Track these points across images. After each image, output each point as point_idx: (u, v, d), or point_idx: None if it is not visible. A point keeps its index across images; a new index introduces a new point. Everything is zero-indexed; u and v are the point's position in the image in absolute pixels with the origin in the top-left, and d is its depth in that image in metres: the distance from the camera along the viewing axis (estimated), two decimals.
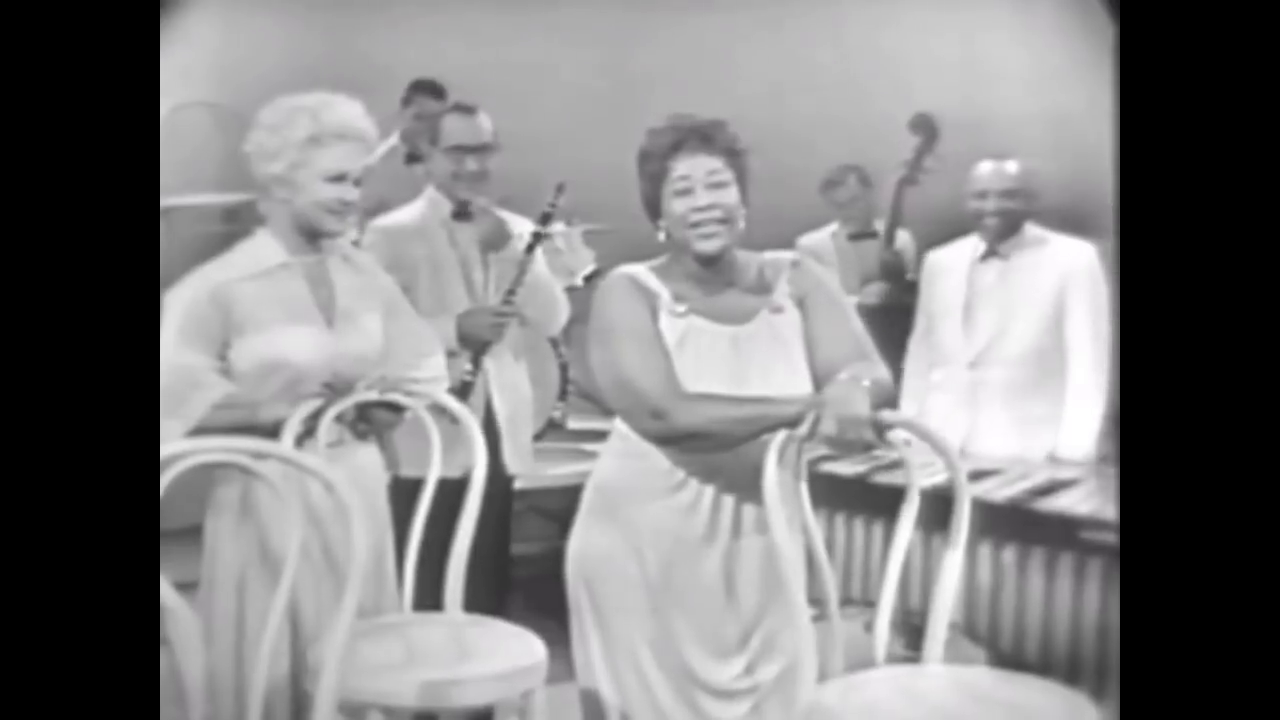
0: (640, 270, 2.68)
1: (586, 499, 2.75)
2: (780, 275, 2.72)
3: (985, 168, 3.95)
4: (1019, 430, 3.87)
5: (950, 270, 4.02)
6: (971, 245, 4.00)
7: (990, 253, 3.96)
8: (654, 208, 2.68)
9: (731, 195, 2.62)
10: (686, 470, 2.63)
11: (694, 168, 2.61)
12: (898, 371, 3.93)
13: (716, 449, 2.57)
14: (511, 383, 3.69)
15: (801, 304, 2.70)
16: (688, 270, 2.66)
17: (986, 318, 3.93)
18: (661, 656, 2.64)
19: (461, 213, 3.68)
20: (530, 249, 3.66)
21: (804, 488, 2.57)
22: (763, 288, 2.70)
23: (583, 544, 2.71)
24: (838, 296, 2.75)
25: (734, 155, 2.64)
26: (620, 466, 2.70)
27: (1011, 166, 3.93)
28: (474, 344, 3.55)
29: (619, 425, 2.71)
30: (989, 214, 3.92)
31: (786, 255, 2.78)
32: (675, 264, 2.68)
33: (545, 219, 3.72)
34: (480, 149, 3.66)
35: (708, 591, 2.64)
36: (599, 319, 2.64)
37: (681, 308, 2.63)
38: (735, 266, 2.69)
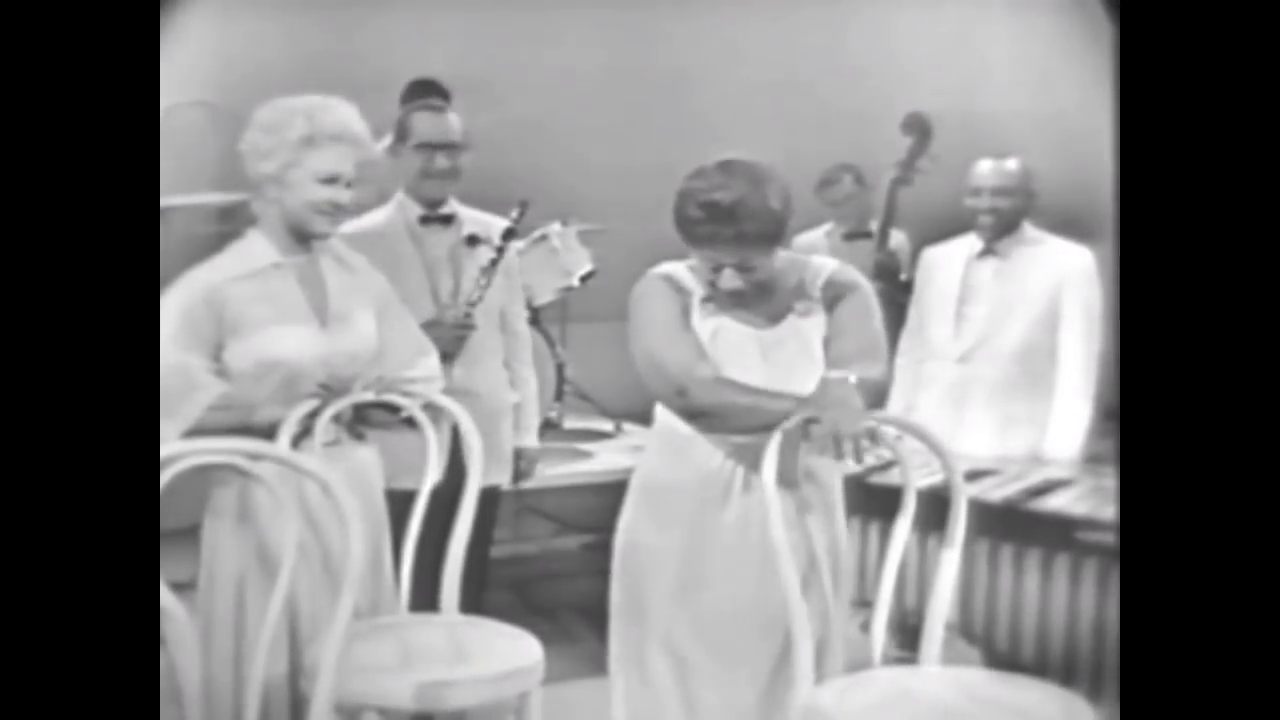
0: (678, 268, 2.76)
1: (631, 494, 2.82)
2: (816, 280, 2.76)
3: (984, 165, 3.95)
4: (1003, 428, 3.88)
5: (945, 267, 4.03)
6: (968, 243, 4.01)
7: (987, 251, 3.97)
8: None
9: (758, 275, 2.65)
10: (724, 454, 2.69)
11: (724, 256, 2.63)
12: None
13: (736, 431, 2.65)
14: (478, 390, 3.56)
15: (831, 307, 2.74)
16: None
17: (979, 315, 3.94)
18: (703, 646, 2.69)
19: (430, 217, 3.64)
20: (493, 263, 3.63)
21: (805, 489, 2.61)
22: (797, 292, 2.75)
23: (629, 538, 2.79)
24: (868, 301, 2.77)
25: (770, 239, 2.62)
26: (662, 462, 2.78)
27: (1010, 165, 3.94)
28: None
29: (659, 419, 2.78)
30: (982, 211, 3.93)
31: (831, 262, 2.83)
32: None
33: (508, 234, 3.68)
34: (450, 147, 3.62)
35: (747, 581, 2.67)
36: (636, 313, 2.74)
37: (712, 305, 2.71)
38: (770, 274, 2.73)
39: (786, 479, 2.61)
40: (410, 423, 2.92)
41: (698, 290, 2.73)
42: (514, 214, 3.73)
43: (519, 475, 3.83)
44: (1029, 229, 3.96)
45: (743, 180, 2.60)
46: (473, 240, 3.66)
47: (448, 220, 3.65)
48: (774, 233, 2.63)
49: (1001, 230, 3.93)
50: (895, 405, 4.00)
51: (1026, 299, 3.90)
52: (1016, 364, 3.90)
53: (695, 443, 2.71)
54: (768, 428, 2.57)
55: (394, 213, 3.63)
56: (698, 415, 2.68)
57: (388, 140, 3.94)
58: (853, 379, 2.52)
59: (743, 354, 2.70)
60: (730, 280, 2.65)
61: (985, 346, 3.92)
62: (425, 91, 5.58)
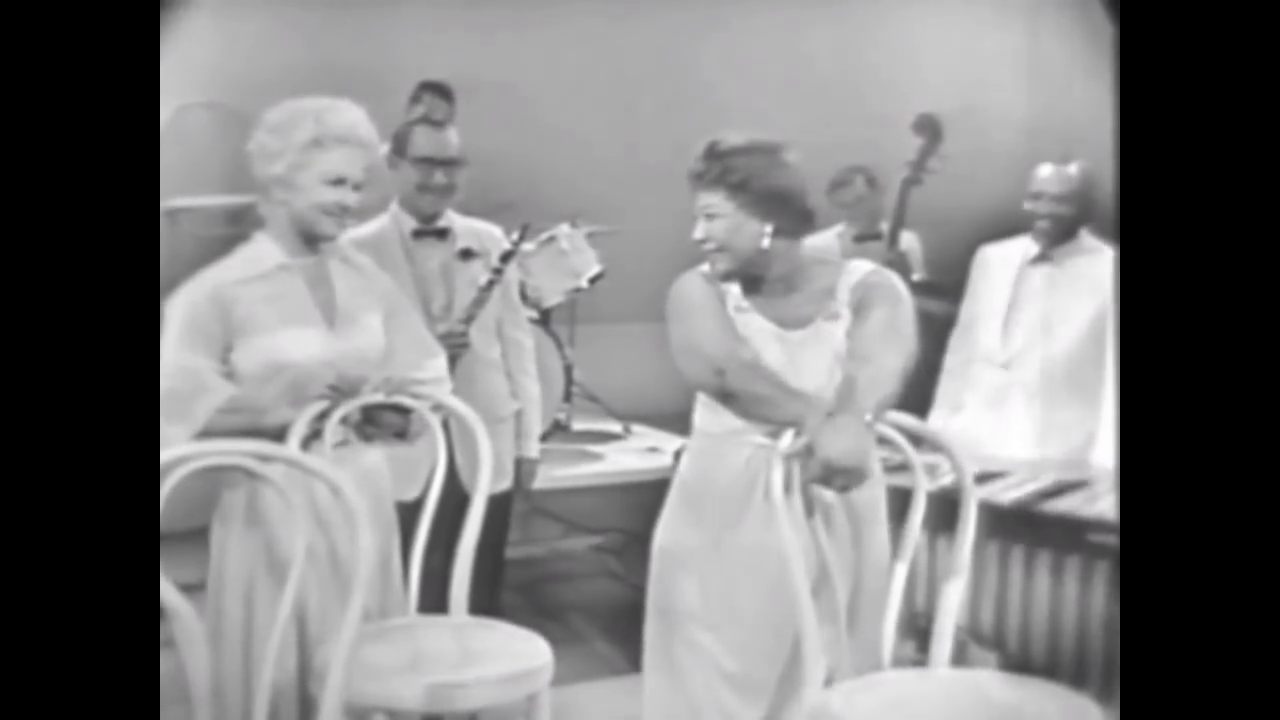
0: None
1: (670, 496, 2.86)
2: (849, 282, 2.78)
3: (1045, 170, 3.88)
4: (1044, 435, 3.85)
5: (999, 268, 3.98)
6: (1023, 245, 3.96)
7: (1042, 257, 3.92)
8: None
9: (720, 226, 2.74)
10: (748, 456, 2.71)
11: (698, 199, 2.77)
12: (931, 367, 3.92)
13: (756, 420, 2.69)
14: (475, 401, 3.35)
15: (859, 308, 2.76)
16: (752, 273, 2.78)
17: (1027, 322, 3.90)
18: (727, 648, 2.71)
19: (424, 230, 3.64)
20: (490, 284, 3.63)
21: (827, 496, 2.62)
22: (827, 295, 2.78)
23: (663, 539, 2.83)
24: (897, 300, 2.78)
25: (732, 188, 2.72)
26: (695, 464, 2.82)
27: (1071, 170, 3.86)
28: None
29: (695, 422, 2.82)
30: (1041, 216, 3.87)
31: (867, 265, 2.85)
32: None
33: (506, 257, 3.67)
34: (448, 163, 3.61)
35: (768, 584, 2.67)
36: (676, 302, 2.80)
37: (745, 303, 2.78)
38: (800, 273, 2.79)
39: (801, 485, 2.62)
40: (401, 436, 2.92)
41: (733, 288, 2.79)
42: (514, 236, 3.72)
43: (519, 484, 3.83)
44: (1087, 237, 3.90)
45: (750, 138, 2.75)
46: (466, 254, 3.65)
47: (442, 234, 3.65)
48: (731, 182, 2.71)
49: (1059, 237, 3.88)
50: (942, 401, 3.99)
51: (1077, 309, 3.84)
52: (1061, 372, 3.86)
53: (724, 446, 2.75)
54: (782, 425, 2.59)
55: (387, 224, 3.62)
56: (730, 398, 2.72)
57: (384, 150, 3.94)
58: (869, 417, 2.53)
59: (768, 353, 2.73)
60: (699, 229, 2.75)
61: (1030, 354, 3.89)
62: (433, 92, 5.59)
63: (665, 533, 2.84)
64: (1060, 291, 3.88)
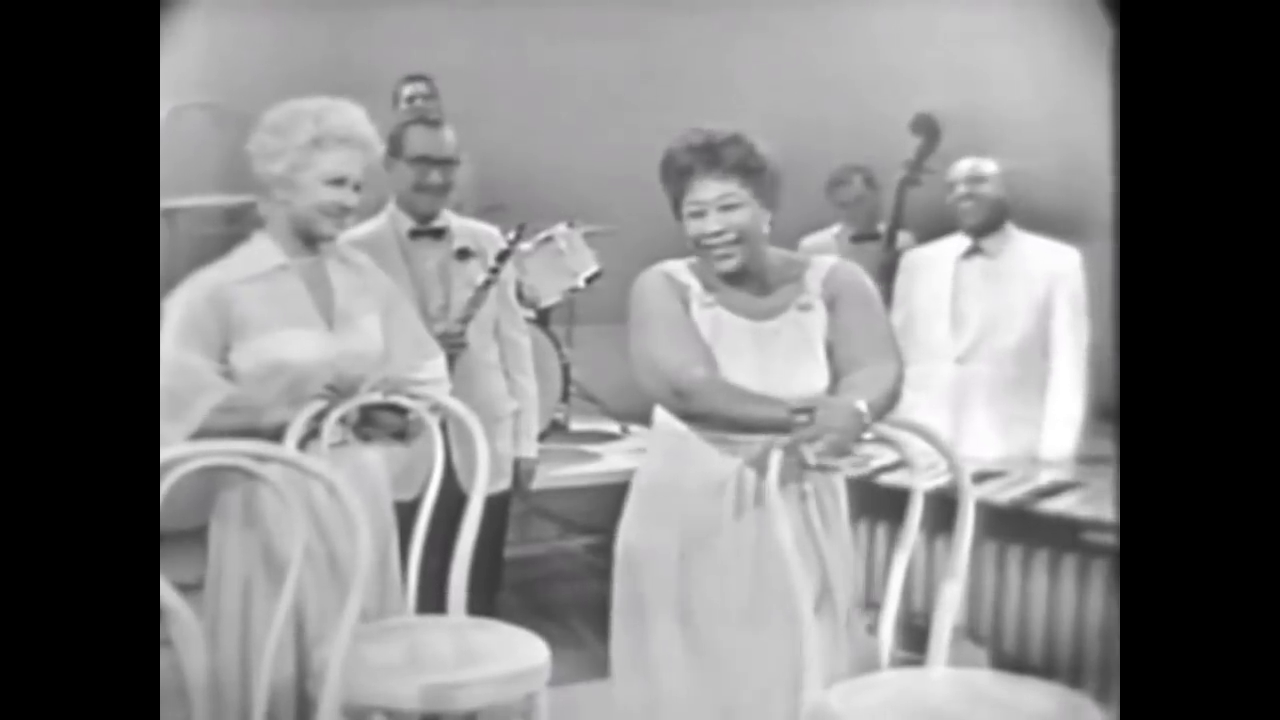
0: (675, 266, 2.75)
1: (632, 495, 2.81)
2: (817, 275, 2.75)
3: (963, 163, 4.01)
4: (1001, 429, 3.89)
5: (933, 267, 4.03)
6: (954, 243, 4.02)
7: (974, 249, 3.97)
8: (679, 214, 2.73)
9: (743, 216, 2.64)
10: (721, 453, 2.67)
11: (705, 192, 2.64)
12: None
13: (730, 431, 2.64)
14: (474, 401, 3.34)
15: (832, 304, 2.73)
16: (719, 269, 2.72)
17: (974, 314, 3.94)
18: (699, 647, 2.67)
19: (421, 230, 3.64)
20: (487, 284, 3.63)
21: (807, 491, 2.60)
22: (797, 288, 2.74)
23: (629, 539, 2.77)
24: (870, 297, 2.77)
25: (749, 173, 2.64)
26: (661, 463, 2.77)
27: (987, 163, 3.98)
28: None
29: (658, 420, 2.76)
30: (962, 198, 3.95)
31: (831, 258, 2.83)
32: (708, 262, 2.72)
33: (503, 257, 3.68)
34: (444, 162, 3.62)
35: (743, 581, 2.66)
36: (635, 311, 2.72)
37: (710, 298, 2.70)
38: (767, 267, 2.73)
39: (788, 479, 2.61)
40: (399, 436, 2.92)
41: (695, 284, 2.71)
42: (510, 236, 3.73)
43: (517, 485, 3.83)
44: (1014, 230, 3.98)
45: (727, 128, 2.66)
46: (463, 254, 3.66)
47: (439, 234, 3.65)
48: (752, 166, 2.63)
49: (986, 225, 3.94)
50: None
51: (1018, 297, 3.91)
52: (1014, 363, 3.91)
53: (693, 443, 2.70)
54: (760, 430, 2.57)
55: (384, 224, 3.63)
56: (693, 417, 2.66)
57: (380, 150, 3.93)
58: (863, 406, 2.51)
59: (740, 346, 2.68)
60: (713, 222, 2.63)
61: (983, 346, 3.93)
62: (415, 82, 5.57)
63: (629, 534, 2.77)
64: (999, 284, 3.94)
